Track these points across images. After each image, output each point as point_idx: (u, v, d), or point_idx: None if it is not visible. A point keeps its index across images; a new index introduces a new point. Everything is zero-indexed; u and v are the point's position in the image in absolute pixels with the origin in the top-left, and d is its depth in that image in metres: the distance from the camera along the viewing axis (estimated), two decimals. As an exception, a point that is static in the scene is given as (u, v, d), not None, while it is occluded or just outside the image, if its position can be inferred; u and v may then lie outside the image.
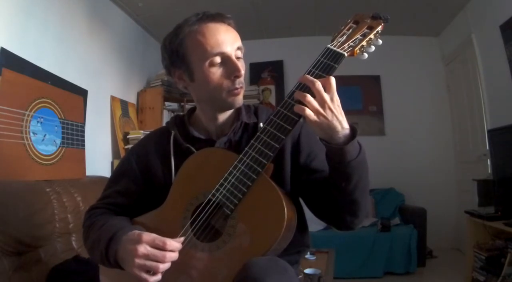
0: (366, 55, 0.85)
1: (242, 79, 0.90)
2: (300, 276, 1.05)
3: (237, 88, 0.89)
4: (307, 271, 1.53)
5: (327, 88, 0.74)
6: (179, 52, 0.90)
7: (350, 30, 0.85)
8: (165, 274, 0.76)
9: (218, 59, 0.87)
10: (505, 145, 2.43)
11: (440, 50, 3.98)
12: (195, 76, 0.91)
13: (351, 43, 0.82)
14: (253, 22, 3.68)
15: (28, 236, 1.45)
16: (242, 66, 0.89)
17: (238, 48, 0.90)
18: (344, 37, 0.84)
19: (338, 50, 0.80)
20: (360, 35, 0.83)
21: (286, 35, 4.06)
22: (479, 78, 3.16)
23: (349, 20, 0.87)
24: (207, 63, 0.87)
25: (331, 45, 0.82)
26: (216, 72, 0.88)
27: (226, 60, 0.88)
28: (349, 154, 0.77)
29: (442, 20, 3.64)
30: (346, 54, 0.80)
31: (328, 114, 0.74)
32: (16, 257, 1.38)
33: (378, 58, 3.66)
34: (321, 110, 0.73)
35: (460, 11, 3.38)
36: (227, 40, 0.88)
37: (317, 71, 0.78)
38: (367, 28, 0.84)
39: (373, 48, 0.85)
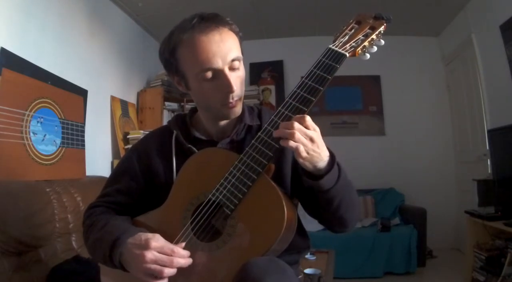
0: (368, 55, 0.84)
1: (238, 92, 0.88)
2: (300, 276, 1.05)
3: (231, 102, 0.88)
4: (307, 271, 1.53)
5: (308, 126, 0.74)
6: (172, 63, 0.90)
7: (352, 30, 0.85)
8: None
9: (209, 74, 0.85)
10: (505, 145, 2.43)
11: (440, 50, 3.99)
12: (190, 85, 0.91)
13: (353, 44, 0.82)
14: (253, 22, 3.68)
15: (28, 236, 1.44)
16: (237, 78, 0.87)
17: (233, 60, 0.86)
18: (346, 37, 0.83)
19: (340, 50, 0.80)
20: (362, 36, 0.83)
21: (286, 35, 4.07)
22: (479, 78, 3.17)
23: (351, 20, 0.87)
24: (198, 77, 0.86)
25: (333, 46, 0.82)
26: (208, 86, 0.87)
27: (218, 75, 0.85)
28: (327, 182, 0.79)
29: (442, 20, 3.64)
30: (347, 55, 0.80)
31: (316, 151, 0.75)
32: (16, 257, 1.38)
33: (378, 58, 3.63)
34: (309, 146, 0.74)
35: (460, 11, 3.38)
36: (219, 53, 0.83)
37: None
38: (369, 29, 0.84)
39: (375, 48, 0.85)
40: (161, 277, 0.74)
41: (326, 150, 0.78)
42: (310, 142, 0.74)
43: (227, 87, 0.85)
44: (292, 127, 0.73)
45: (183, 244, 0.79)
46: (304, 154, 0.73)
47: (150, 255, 0.74)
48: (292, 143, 0.72)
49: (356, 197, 0.90)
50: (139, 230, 0.82)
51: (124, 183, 0.96)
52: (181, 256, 0.76)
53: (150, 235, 0.78)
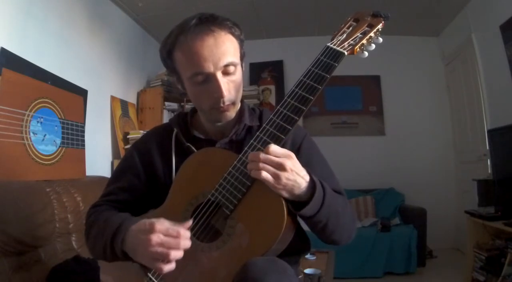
0: (366, 53, 0.84)
1: (230, 97, 0.87)
2: (300, 276, 1.05)
3: (221, 106, 0.87)
4: (307, 271, 1.53)
5: (276, 154, 0.73)
6: (169, 64, 0.91)
7: (350, 28, 0.84)
8: (165, 274, 0.75)
9: (200, 78, 0.85)
10: (505, 145, 2.43)
11: (440, 50, 3.99)
12: (185, 87, 0.92)
13: (351, 42, 0.82)
14: (253, 22, 3.68)
15: (28, 236, 1.44)
16: (230, 83, 0.87)
17: (227, 65, 0.85)
18: (344, 35, 0.83)
19: (338, 48, 0.80)
20: (360, 33, 0.83)
21: (286, 35, 4.07)
22: (479, 78, 3.17)
23: (349, 18, 0.87)
24: (190, 80, 0.87)
25: (331, 44, 0.81)
26: (199, 90, 0.87)
27: (210, 80, 0.85)
28: (308, 211, 0.77)
29: (442, 20, 3.64)
30: (346, 53, 0.79)
31: (291, 179, 0.74)
32: (16, 257, 1.38)
33: (378, 58, 3.67)
34: (281, 175, 0.73)
35: (460, 11, 3.38)
36: (211, 58, 0.83)
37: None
38: (367, 26, 0.84)
39: (373, 46, 0.84)
40: (168, 260, 0.73)
41: (304, 175, 0.76)
42: (281, 170, 0.72)
43: (217, 93, 0.85)
44: (258, 159, 0.72)
45: (190, 221, 0.78)
46: (277, 184, 0.72)
47: (155, 238, 0.73)
48: (256, 173, 0.72)
49: (346, 218, 0.88)
50: (142, 217, 0.81)
51: (126, 180, 0.96)
52: (187, 236, 0.75)
53: (154, 219, 0.77)
